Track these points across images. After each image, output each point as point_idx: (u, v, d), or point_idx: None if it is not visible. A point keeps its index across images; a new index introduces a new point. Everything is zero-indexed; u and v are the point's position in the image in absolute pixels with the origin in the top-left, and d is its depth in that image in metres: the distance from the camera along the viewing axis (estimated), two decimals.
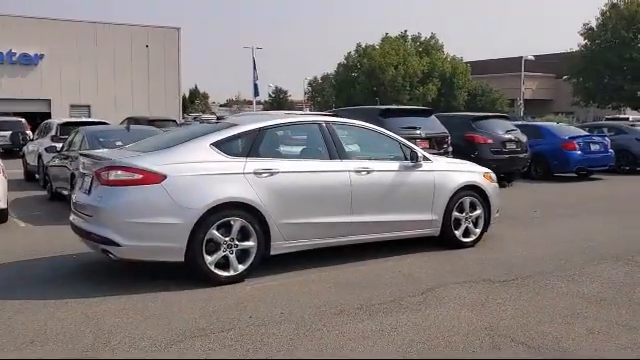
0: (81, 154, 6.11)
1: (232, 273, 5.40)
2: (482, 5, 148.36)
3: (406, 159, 6.58)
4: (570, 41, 78.16)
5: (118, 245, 5.08)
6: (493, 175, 7.40)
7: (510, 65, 55.83)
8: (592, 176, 15.38)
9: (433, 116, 12.53)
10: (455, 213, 6.80)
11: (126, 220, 5.08)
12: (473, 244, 6.92)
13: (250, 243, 5.48)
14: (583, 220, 8.96)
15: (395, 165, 6.48)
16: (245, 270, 5.46)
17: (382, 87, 44.52)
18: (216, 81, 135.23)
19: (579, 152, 14.89)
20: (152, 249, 5.18)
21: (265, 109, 70.29)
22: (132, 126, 11.16)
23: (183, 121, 30.21)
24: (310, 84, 74.85)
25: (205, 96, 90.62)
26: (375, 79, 44.90)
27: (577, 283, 5.36)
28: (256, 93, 40.88)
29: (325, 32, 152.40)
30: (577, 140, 15.07)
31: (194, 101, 78.37)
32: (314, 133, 6.19)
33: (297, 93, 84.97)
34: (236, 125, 5.84)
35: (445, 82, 46.83)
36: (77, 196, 5.87)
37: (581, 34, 38.06)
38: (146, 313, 4.58)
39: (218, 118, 6.35)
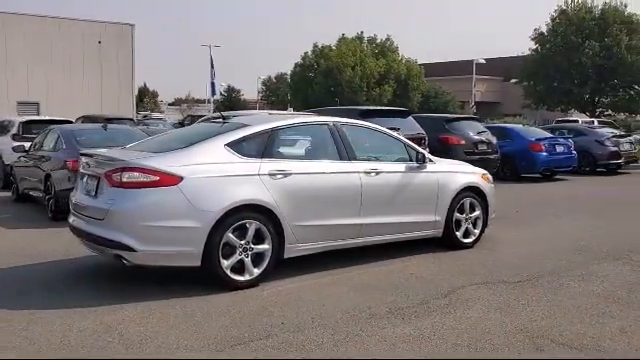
0: (82, 154, 5.81)
1: (248, 277, 5.26)
2: (435, 9, 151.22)
3: (411, 160, 6.58)
4: (519, 45, 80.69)
5: (133, 250, 4.86)
6: (489, 176, 7.51)
7: (461, 68, 57.10)
8: (556, 177, 15.88)
9: (411, 117, 12.67)
10: (456, 214, 6.86)
11: (142, 224, 4.86)
12: (472, 245, 6.99)
13: (265, 246, 5.35)
14: (566, 219, 9.21)
15: (401, 166, 6.47)
16: (260, 274, 5.33)
17: (340, 87, 44.66)
18: (165, 79, 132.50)
19: (545, 153, 15.33)
20: (168, 254, 4.98)
21: (217, 108, 69.44)
22: (109, 125, 10.74)
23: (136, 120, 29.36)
24: (264, 83, 74.42)
25: (154, 94, 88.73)
26: (333, 79, 45.00)
27: (588, 282, 5.48)
28: (213, 92, 40.27)
29: (278, 32, 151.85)
30: (543, 142, 15.52)
31: (143, 99, 76.59)
32: (324, 134, 6.10)
33: (250, 92, 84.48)
34: (248, 125, 5.69)
35: (400, 84, 47.38)
36: (78, 197, 5.59)
37: (532, 39, 39.33)
38: (170, 321, 4.39)
39: (224, 117, 6.16)
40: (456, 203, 6.84)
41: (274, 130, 5.71)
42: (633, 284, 5.44)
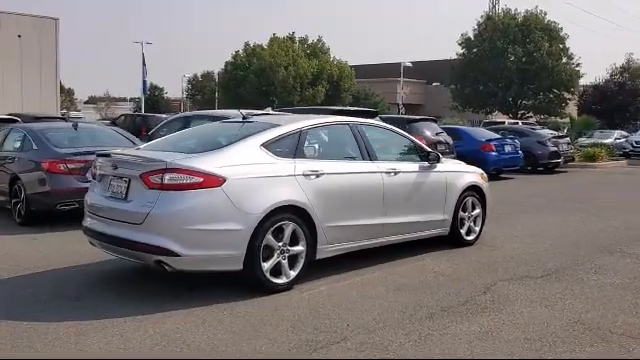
0: (100, 155, 5.46)
1: (284, 280, 5.17)
2: (365, 11, 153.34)
3: (421, 160, 6.69)
4: (442, 49, 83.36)
5: (177, 255, 4.64)
6: (485, 175, 7.76)
7: (389, 70, 58.50)
8: (501, 176, 16.60)
9: (378, 118, 12.85)
10: (460, 212, 7.05)
11: (186, 227, 4.65)
12: (473, 242, 7.21)
13: (300, 248, 5.27)
14: (541, 217, 9.63)
15: (415, 166, 6.56)
16: (295, 276, 5.25)
17: (272, 87, 44.51)
18: (80, 77, 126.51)
19: (495, 153, 16.02)
20: (212, 258, 4.80)
21: (139, 107, 67.10)
22: (79, 124, 10.16)
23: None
24: (190, 82, 72.76)
25: (70, 92, 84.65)
26: (265, 79, 44.77)
27: (603, 275, 5.79)
28: (145, 90, 38.95)
29: (202, 30, 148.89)
30: (493, 142, 16.21)
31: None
32: (346, 134, 6.09)
33: (173, 91, 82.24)
34: (279, 125, 5.58)
35: (332, 85, 47.85)
36: (96, 199, 5.29)
37: (459, 43, 40.92)
38: (229, 327, 4.24)
39: (244, 117, 6.00)
40: (461, 202, 7.03)
41: (303, 130, 5.64)
42: None
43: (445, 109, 45.49)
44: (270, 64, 44.88)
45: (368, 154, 6.09)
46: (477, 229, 7.31)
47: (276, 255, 5.09)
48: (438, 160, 6.71)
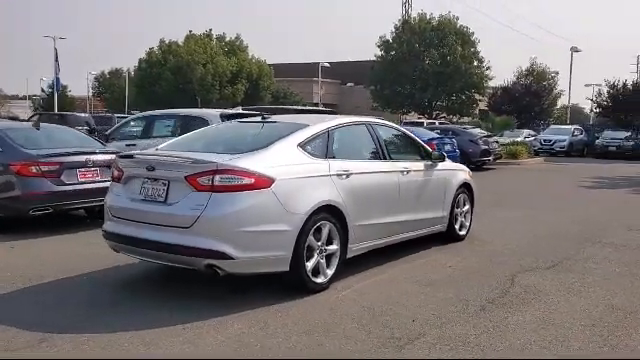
0: (123, 156, 5.20)
1: (323, 280, 5.19)
2: (284, 11, 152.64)
3: (424, 158, 6.91)
4: (357, 51, 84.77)
5: (231, 258, 4.53)
6: (471, 172, 8.13)
7: (307, 70, 59.01)
8: None
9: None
10: (455, 209, 7.35)
11: (239, 230, 4.56)
12: (464, 237, 7.53)
13: (334, 247, 5.31)
14: (502, 211, 10.10)
15: (421, 165, 6.77)
16: (332, 276, 5.28)
17: (190, 85, 43.45)
18: None
19: (437, 153, 16.65)
20: (263, 260, 4.73)
21: (40, 106, 63.01)
22: (41, 124, 9.49)
23: None
24: (97, 79, 69.45)
25: None
26: (182, 77, 43.61)
27: (602, 265, 6.27)
28: (58, 87, 36.64)
29: (108, 27, 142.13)
30: (435, 141, 16.85)
31: None
32: (364, 134, 6.18)
33: (78, 89, 78.13)
34: (308, 125, 5.55)
35: (251, 83, 47.47)
36: (127, 203, 5.05)
37: (378, 46, 41.99)
38: (297, 328, 4.21)
39: (263, 117, 5.91)
40: (455, 198, 7.33)
41: (330, 130, 5.66)
42: (635, 262, 6.36)
43: (359, 109, 46.56)
44: (187, 61, 43.78)
45: (384, 153, 6.23)
46: (467, 224, 7.65)
47: (316, 255, 5.10)
48: (442, 159, 6.97)
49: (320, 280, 5.14)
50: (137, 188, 5.02)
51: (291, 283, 4.99)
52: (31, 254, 6.53)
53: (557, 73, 43.10)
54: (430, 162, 6.90)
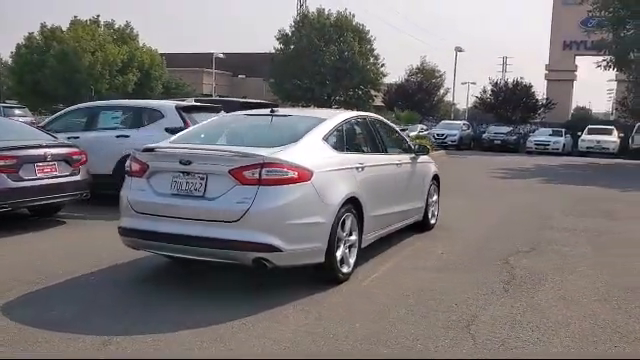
0: (147, 149, 4.94)
1: (347, 269, 5.32)
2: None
3: (407, 151, 7.22)
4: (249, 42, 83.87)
5: (280, 251, 4.53)
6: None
7: (200, 60, 57.63)
8: None
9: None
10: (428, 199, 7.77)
11: (286, 222, 4.58)
12: (434, 226, 7.98)
13: (354, 237, 5.45)
14: (447, 201, 10.67)
15: (408, 157, 7.07)
16: (353, 265, 5.43)
17: (78, 74, 40.79)
18: None
19: None
20: (304, 252, 4.77)
21: None
22: None
23: None
24: None
25: None
26: (69, 65, 40.83)
27: (576, 248, 6.91)
28: None
29: None
30: None
31: None
32: (366, 127, 6.36)
33: None
34: (326, 119, 5.61)
35: (142, 73, 45.58)
36: (154, 198, 4.85)
37: (277, 39, 42.08)
38: (352, 318, 4.31)
39: (272, 111, 5.86)
40: (428, 189, 7.74)
41: (343, 124, 5.78)
42: (596, 243, 7.13)
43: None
44: (74, 49, 41.07)
45: (382, 146, 6.47)
46: (436, 214, 8.11)
47: (342, 246, 5.21)
48: (425, 152, 7.32)
49: (345, 270, 5.27)
50: (166, 182, 4.83)
51: (324, 274, 5.07)
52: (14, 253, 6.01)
53: (444, 72, 45.89)
54: (413, 155, 7.23)
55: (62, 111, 10.41)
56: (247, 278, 5.20)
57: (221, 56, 53.73)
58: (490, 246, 6.88)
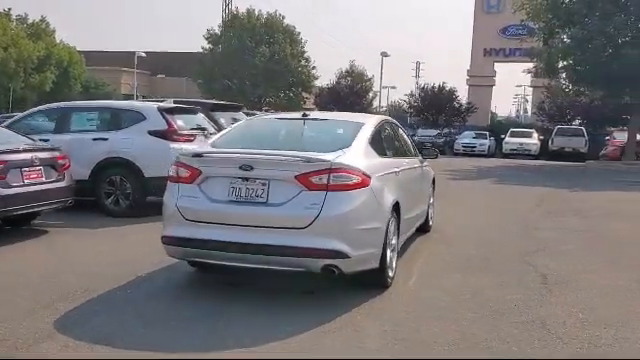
0: (197, 154, 4.69)
1: (392, 274, 5.32)
2: None
3: (416, 155, 7.31)
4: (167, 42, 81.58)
5: (348, 257, 4.46)
6: None
7: (120, 59, 55.47)
8: None
9: (242, 112, 12.92)
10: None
11: (353, 228, 4.52)
12: (431, 228, 8.14)
13: (394, 242, 5.46)
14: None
15: (418, 161, 7.16)
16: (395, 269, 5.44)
17: None
18: None
19: None
20: (366, 257, 4.73)
21: None
22: None
23: None
24: None
25: None
26: None
27: (570, 246, 7.28)
28: None
29: None
30: None
31: None
32: (393, 131, 6.40)
33: None
34: (364, 123, 5.56)
35: (61, 71, 43.19)
36: (209, 206, 4.62)
37: (206, 38, 41.24)
38: (420, 318, 4.33)
39: (305, 115, 5.71)
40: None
41: (379, 128, 5.77)
42: (589, 240, 7.55)
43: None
44: None
45: (404, 150, 6.52)
46: (432, 216, 8.26)
47: (389, 250, 5.20)
48: (434, 156, 7.45)
49: (391, 274, 5.27)
50: (222, 189, 4.61)
51: (376, 279, 5.03)
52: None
53: (373, 76, 46.87)
54: (422, 158, 7.33)
55: (26, 112, 9.68)
56: (289, 287, 5.08)
57: (143, 55, 51.91)
58: (498, 247, 7.09)
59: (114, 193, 8.69)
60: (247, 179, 4.57)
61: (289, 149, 4.86)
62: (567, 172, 20.71)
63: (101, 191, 8.70)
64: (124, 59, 54.27)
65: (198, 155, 4.78)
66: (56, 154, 7.55)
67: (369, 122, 5.66)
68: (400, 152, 6.34)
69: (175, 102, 10.09)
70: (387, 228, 4.98)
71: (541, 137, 33.62)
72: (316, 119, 5.78)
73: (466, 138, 34.78)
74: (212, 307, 4.56)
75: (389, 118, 6.84)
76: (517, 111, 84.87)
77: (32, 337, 3.89)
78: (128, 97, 51.18)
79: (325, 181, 4.44)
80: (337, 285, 5.01)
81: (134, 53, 51.47)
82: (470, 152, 33.13)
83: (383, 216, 4.92)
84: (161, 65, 59.08)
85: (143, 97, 46.82)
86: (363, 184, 4.63)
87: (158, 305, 4.67)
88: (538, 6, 22.10)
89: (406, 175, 6.05)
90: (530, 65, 26.60)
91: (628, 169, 21.11)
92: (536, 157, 31.20)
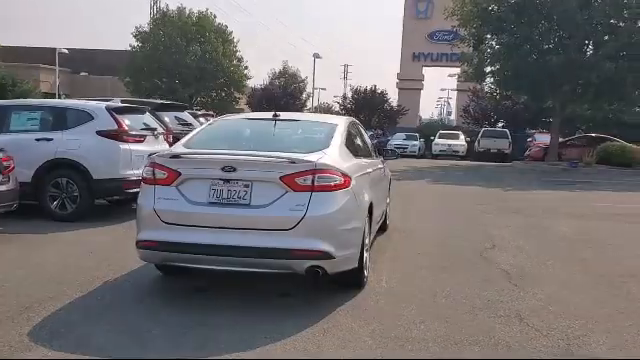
0: (174, 155, 4.54)
1: (366, 273, 5.38)
2: None
3: (377, 156, 7.42)
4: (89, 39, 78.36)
5: (332, 258, 4.47)
6: None
7: (39, 55, 52.76)
8: None
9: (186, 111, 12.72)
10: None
11: (338, 229, 4.54)
12: (388, 226, 8.30)
13: (367, 241, 5.52)
14: None
15: (380, 162, 7.26)
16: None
17: None
18: None
19: None
20: (348, 257, 4.74)
21: None
22: None
23: None
24: None
25: None
26: None
27: (526, 242, 7.63)
28: None
29: None
30: None
31: None
32: (359, 132, 6.47)
33: None
34: (337, 124, 5.57)
35: None
36: (188, 208, 4.51)
37: (134, 36, 39.89)
38: (414, 318, 4.42)
39: (275, 115, 5.63)
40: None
41: (349, 128, 5.81)
42: (537, 229, 7.93)
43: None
44: None
45: (369, 151, 6.60)
46: (389, 215, 8.42)
47: (365, 250, 5.27)
48: (396, 156, 7.58)
49: (366, 273, 5.33)
50: (202, 190, 4.50)
51: (353, 279, 5.07)
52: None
53: (307, 77, 47.12)
54: (382, 158, 7.45)
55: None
56: (262, 290, 5.06)
57: (65, 51, 49.65)
58: (455, 245, 7.33)
59: (60, 196, 8.28)
60: (229, 180, 4.49)
61: (269, 150, 4.81)
62: (496, 172, 21.61)
63: (46, 194, 8.27)
64: (43, 56, 51.66)
65: (176, 156, 4.64)
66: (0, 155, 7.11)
67: (341, 123, 5.70)
68: (366, 153, 6.42)
69: (123, 101, 9.73)
70: (364, 228, 5.05)
71: (468, 139, 34.94)
72: (288, 119, 5.76)
73: (398, 140, 35.60)
74: (189, 315, 4.44)
75: (354, 119, 6.91)
76: (439, 114, 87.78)
77: (7, 350, 3.66)
78: (49, 96, 48.85)
79: (310, 182, 4.44)
80: (311, 286, 5.03)
81: (55, 49, 49.35)
82: (402, 153, 33.95)
83: (362, 216, 4.99)
84: (83, 63, 56.78)
85: (66, 96, 44.88)
86: (345, 185, 4.66)
87: (133, 313, 4.50)
88: (469, 13, 22.98)
89: (374, 175, 6.14)
90: (457, 70, 27.64)
91: (552, 169, 22.33)
92: (463, 158, 32.39)
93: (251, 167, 4.50)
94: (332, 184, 4.54)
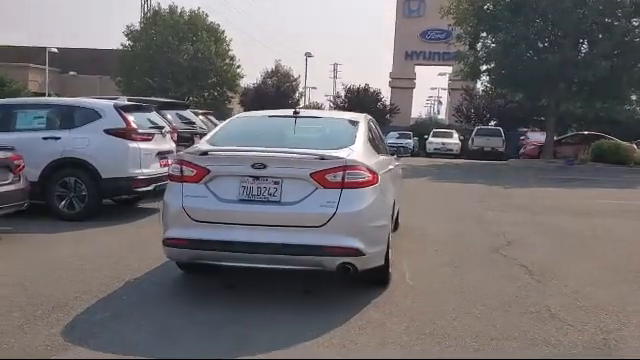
0: (204, 152, 4.50)
1: (390, 270, 5.36)
2: None
3: (392, 153, 7.41)
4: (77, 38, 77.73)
5: (363, 254, 4.45)
6: None
7: (27, 54, 52.37)
8: None
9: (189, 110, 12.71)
10: None
11: (369, 225, 4.53)
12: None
13: (390, 238, 5.50)
14: None
15: (395, 160, 7.24)
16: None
17: None
18: None
19: None
20: (376, 255, 4.73)
21: None
22: None
23: None
24: None
25: None
26: None
27: (536, 240, 7.67)
28: None
29: None
30: None
31: None
32: (377, 129, 6.44)
33: None
34: (358, 121, 5.55)
35: None
36: (218, 205, 4.48)
37: (126, 35, 39.66)
38: (451, 313, 4.42)
39: (296, 112, 5.59)
40: None
41: (369, 125, 5.79)
42: (546, 226, 7.96)
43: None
44: None
45: (385, 148, 6.59)
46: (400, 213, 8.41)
47: (389, 247, 5.25)
48: (408, 155, 7.57)
49: (390, 271, 5.32)
50: (232, 188, 4.47)
51: (379, 277, 5.06)
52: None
53: (299, 76, 47.03)
54: (396, 156, 7.44)
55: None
56: (286, 287, 5.03)
57: (55, 50, 49.23)
58: (469, 242, 7.33)
59: (68, 196, 8.18)
60: (258, 177, 4.46)
61: (295, 147, 4.77)
62: (492, 170, 21.69)
63: (53, 194, 8.17)
64: (31, 55, 51.26)
65: (205, 153, 4.60)
66: (9, 154, 7.02)
67: (362, 120, 5.68)
68: (384, 150, 6.41)
69: (129, 100, 9.63)
70: (390, 225, 5.04)
71: (461, 137, 35.07)
72: (308, 116, 5.73)
73: (391, 138, 35.63)
74: (221, 313, 4.41)
75: (370, 116, 6.89)
76: (428, 113, 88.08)
77: (44, 350, 3.61)
78: (39, 95, 48.43)
79: (340, 179, 4.42)
80: (329, 284, 5.02)
81: (44, 49, 48.96)
82: (396, 151, 33.93)
83: (388, 213, 5.00)
84: (72, 62, 56.35)
85: (57, 95, 44.52)
86: (374, 181, 4.65)
87: (162, 312, 4.45)
88: (464, 11, 23.07)
89: (394, 173, 6.14)
90: (449, 68, 27.71)
91: (548, 167, 22.47)
92: (457, 156, 32.51)
93: (281, 164, 4.47)
94: (362, 180, 4.52)
